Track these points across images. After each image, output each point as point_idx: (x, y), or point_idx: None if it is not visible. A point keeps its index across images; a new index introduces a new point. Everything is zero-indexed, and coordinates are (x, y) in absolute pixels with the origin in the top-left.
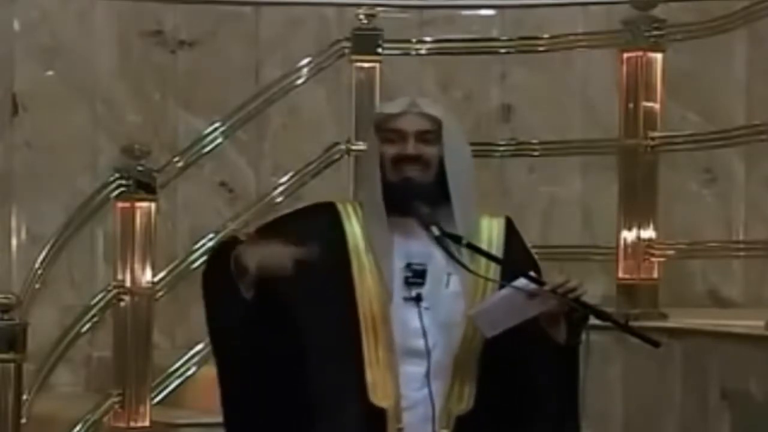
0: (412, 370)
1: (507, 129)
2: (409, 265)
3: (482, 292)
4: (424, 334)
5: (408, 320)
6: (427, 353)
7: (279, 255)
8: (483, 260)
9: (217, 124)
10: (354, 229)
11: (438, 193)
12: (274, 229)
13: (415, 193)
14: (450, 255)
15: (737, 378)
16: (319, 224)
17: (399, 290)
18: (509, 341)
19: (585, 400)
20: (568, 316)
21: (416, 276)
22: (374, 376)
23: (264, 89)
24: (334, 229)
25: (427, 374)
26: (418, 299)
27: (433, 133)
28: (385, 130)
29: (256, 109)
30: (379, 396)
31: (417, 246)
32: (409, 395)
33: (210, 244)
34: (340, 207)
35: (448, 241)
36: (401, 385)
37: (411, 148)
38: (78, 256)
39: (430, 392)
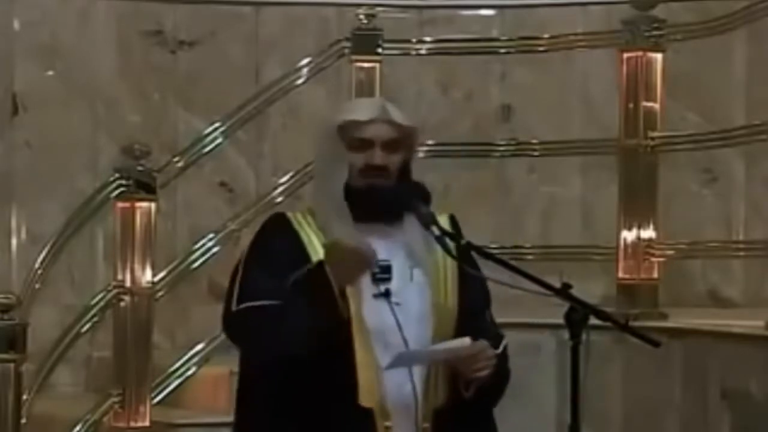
0: None
1: (507, 129)
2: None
3: (444, 282)
4: (400, 329)
5: (383, 317)
6: (406, 347)
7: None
8: (440, 254)
9: (217, 124)
10: (311, 238)
11: (397, 197)
12: (249, 271)
13: (379, 200)
14: (448, 253)
15: (737, 378)
16: (278, 244)
17: (368, 288)
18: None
19: (585, 400)
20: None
21: (383, 272)
22: (359, 377)
23: (264, 89)
24: (291, 243)
25: (410, 369)
26: (387, 295)
27: (398, 141)
28: (352, 137)
29: (256, 109)
30: (365, 397)
31: (377, 244)
32: (392, 392)
33: (210, 244)
34: (290, 216)
35: (446, 239)
36: (386, 382)
37: (378, 158)
38: (78, 256)
39: (413, 387)
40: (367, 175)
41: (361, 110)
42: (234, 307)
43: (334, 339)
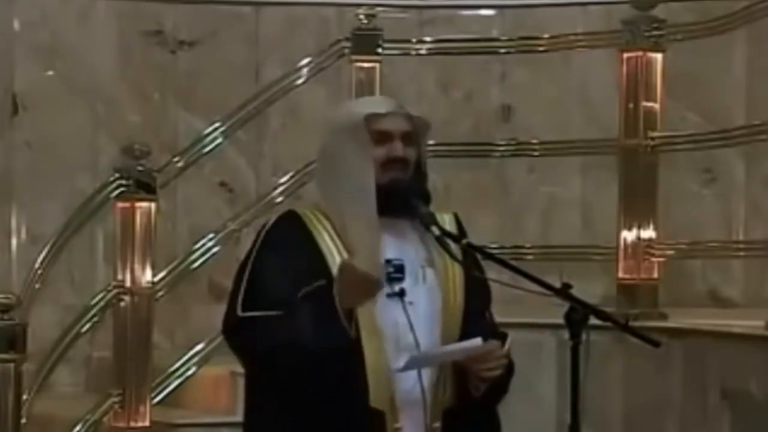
0: None
1: (507, 129)
2: (388, 262)
3: (452, 283)
4: (412, 329)
5: (396, 316)
6: (417, 348)
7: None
8: (448, 258)
9: (217, 124)
10: (324, 236)
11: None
12: (264, 275)
13: (401, 193)
14: (448, 253)
15: (737, 378)
16: (292, 244)
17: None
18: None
19: (585, 400)
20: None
21: (397, 271)
22: (370, 378)
23: (264, 89)
24: (305, 241)
25: (419, 369)
26: (401, 294)
27: (412, 135)
28: (371, 130)
29: (256, 109)
30: (376, 398)
31: (390, 243)
32: (404, 392)
33: (210, 244)
34: (301, 214)
35: (447, 240)
36: (396, 383)
37: (399, 150)
38: (78, 256)
39: (422, 388)
40: (389, 168)
41: (377, 104)
42: (240, 312)
43: (341, 359)
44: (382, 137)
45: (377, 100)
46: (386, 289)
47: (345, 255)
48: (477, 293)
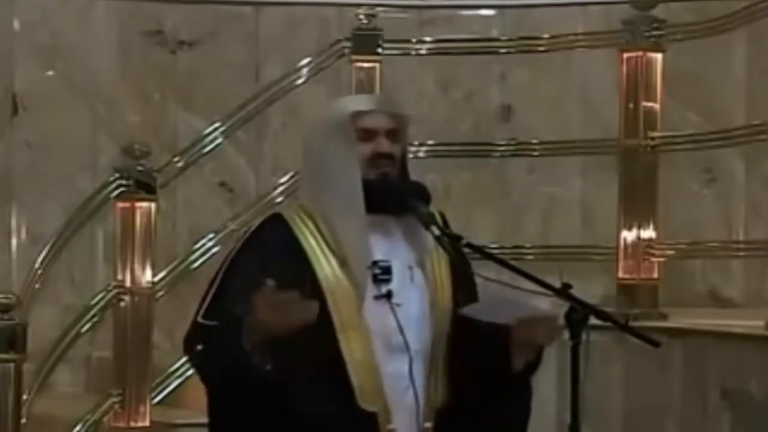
0: (396, 368)
1: (507, 129)
2: (375, 263)
3: (440, 284)
4: (401, 330)
5: (384, 318)
6: (407, 349)
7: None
8: (434, 253)
9: (217, 124)
10: (309, 239)
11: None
12: (236, 277)
13: (393, 189)
14: (448, 253)
15: (737, 378)
16: (274, 248)
17: (369, 290)
18: (470, 349)
19: (585, 400)
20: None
21: (384, 273)
22: (360, 380)
23: (264, 89)
24: (290, 244)
25: (410, 370)
26: (388, 296)
27: (397, 131)
28: (356, 128)
29: (256, 109)
30: (368, 400)
31: (379, 243)
32: (395, 394)
33: (210, 244)
34: (287, 217)
35: (446, 239)
36: (387, 384)
37: (385, 146)
38: (78, 256)
39: (414, 388)
40: (377, 164)
41: (362, 101)
42: (201, 317)
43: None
44: (366, 134)
45: (362, 97)
46: (374, 291)
47: (330, 257)
48: (465, 291)
